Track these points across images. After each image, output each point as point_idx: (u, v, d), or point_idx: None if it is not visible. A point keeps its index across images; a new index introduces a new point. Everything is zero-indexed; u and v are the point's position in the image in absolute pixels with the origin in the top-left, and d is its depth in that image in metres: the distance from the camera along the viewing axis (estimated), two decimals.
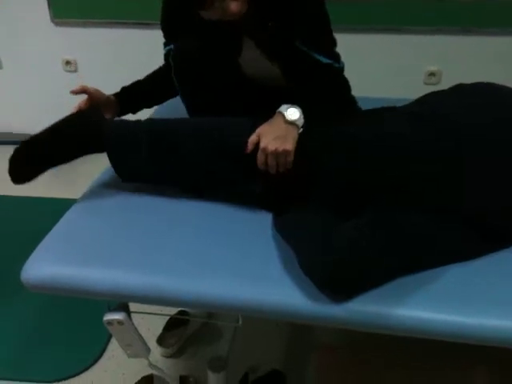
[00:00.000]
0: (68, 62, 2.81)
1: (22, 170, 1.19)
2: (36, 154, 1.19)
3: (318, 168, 1.15)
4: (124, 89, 1.44)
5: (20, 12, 2.72)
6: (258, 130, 1.13)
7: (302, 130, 1.15)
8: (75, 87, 1.28)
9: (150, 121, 1.28)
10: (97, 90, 1.33)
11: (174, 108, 1.52)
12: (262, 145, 1.10)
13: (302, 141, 1.14)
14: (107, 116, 1.36)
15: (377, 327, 0.96)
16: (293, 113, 1.13)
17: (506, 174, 1.09)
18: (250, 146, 1.12)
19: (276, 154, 1.09)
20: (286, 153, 1.10)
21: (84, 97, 1.32)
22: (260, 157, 1.11)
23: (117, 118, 1.30)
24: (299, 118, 1.14)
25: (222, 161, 1.17)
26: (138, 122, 1.25)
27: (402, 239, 1.02)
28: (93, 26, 2.69)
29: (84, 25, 2.70)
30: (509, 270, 1.03)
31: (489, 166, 1.09)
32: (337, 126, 1.21)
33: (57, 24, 2.72)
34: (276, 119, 1.14)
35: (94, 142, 1.22)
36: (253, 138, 1.12)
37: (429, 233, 1.04)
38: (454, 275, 1.02)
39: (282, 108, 1.15)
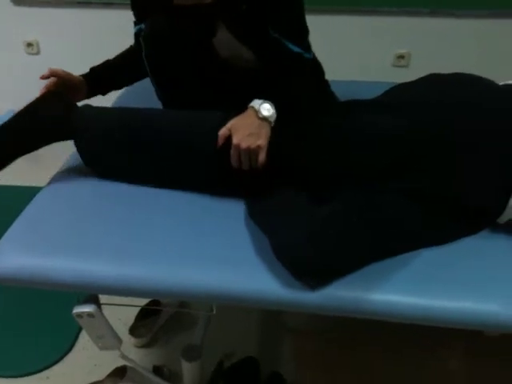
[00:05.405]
0: (30, 44, 2.70)
1: None
2: (5, 141, 1.16)
3: (292, 157, 1.14)
4: (93, 70, 1.38)
5: None
6: (230, 124, 1.10)
7: (273, 124, 1.13)
8: (44, 72, 1.24)
9: (119, 111, 1.24)
10: (67, 73, 1.28)
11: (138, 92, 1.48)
12: (234, 141, 1.08)
13: (275, 135, 1.12)
14: (76, 98, 1.32)
15: (352, 312, 0.97)
16: (266, 109, 1.11)
17: (490, 160, 1.09)
18: (220, 140, 1.10)
19: (249, 151, 1.08)
20: (259, 149, 1.08)
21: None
22: (233, 153, 1.09)
23: (84, 104, 1.26)
24: (272, 115, 1.11)
25: (195, 161, 1.16)
26: (107, 109, 1.22)
27: (376, 224, 1.02)
28: (55, 5, 2.58)
29: (45, 4, 2.58)
30: (482, 253, 1.05)
31: (476, 153, 1.09)
32: (311, 116, 1.20)
33: (16, 3, 2.60)
34: (248, 114, 1.11)
35: (64, 127, 1.19)
36: (224, 132, 1.10)
37: (403, 217, 1.04)
38: (427, 260, 1.03)
39: (255, 103, 1.12)
